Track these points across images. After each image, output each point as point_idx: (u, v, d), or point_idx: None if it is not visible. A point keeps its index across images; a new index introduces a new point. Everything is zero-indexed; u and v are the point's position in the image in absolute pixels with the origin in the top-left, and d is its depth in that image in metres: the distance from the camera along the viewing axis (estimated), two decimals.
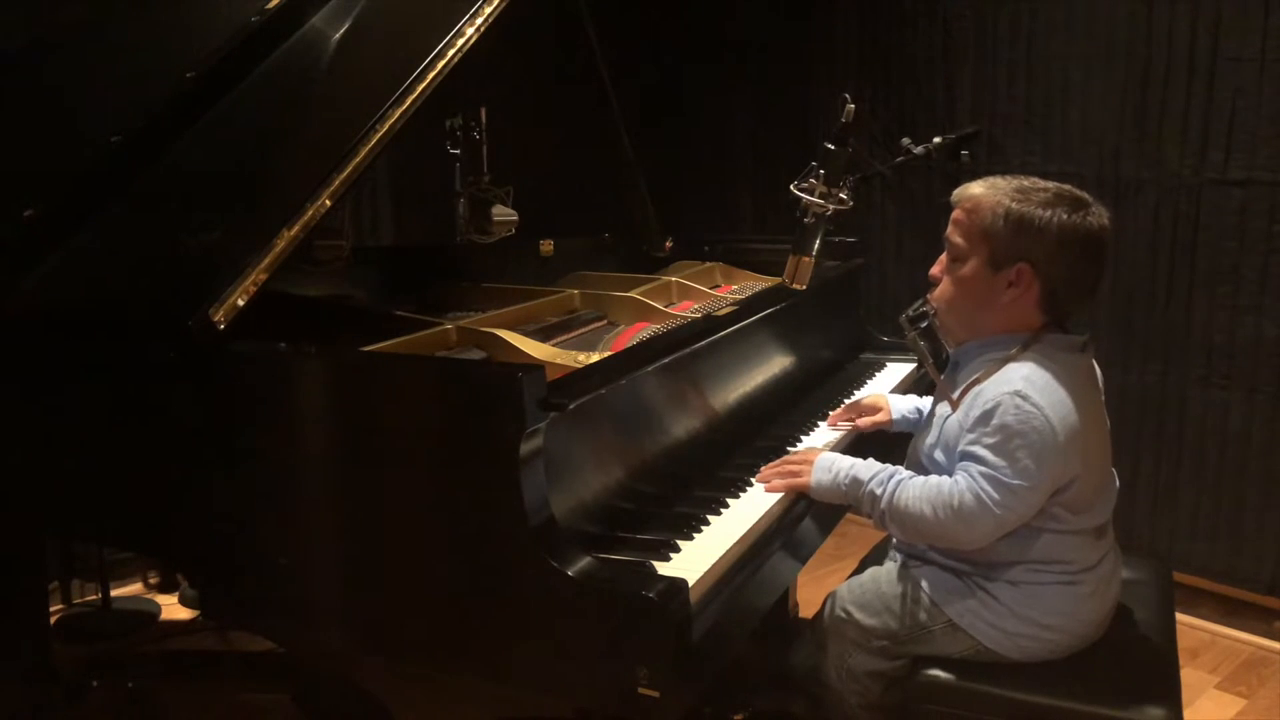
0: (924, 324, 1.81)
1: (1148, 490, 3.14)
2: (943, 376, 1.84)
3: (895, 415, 2.09)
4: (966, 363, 1.77)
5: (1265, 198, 2.87)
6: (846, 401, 2.18)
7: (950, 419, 1.72)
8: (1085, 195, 1.70)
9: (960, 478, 1.65)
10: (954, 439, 1.70)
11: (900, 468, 1.76)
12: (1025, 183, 1.70)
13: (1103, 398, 1.80)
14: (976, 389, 1.68)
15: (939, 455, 1.75)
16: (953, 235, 1.74)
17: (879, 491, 1.70)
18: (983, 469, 1.62)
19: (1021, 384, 1.63)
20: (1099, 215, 1.69)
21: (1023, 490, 1.61)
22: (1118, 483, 1.81)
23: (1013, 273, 1.68)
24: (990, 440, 1.62)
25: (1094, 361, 1.79)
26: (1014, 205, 1.66)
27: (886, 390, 2.27)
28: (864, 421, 2.10)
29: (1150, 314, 3.10)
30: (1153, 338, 3.11)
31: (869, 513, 1.73)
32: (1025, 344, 1.70)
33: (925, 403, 2.06)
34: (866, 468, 1.74)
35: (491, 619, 1.41)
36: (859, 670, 1.81)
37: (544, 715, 2.06)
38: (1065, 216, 1.65)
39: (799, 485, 1.77)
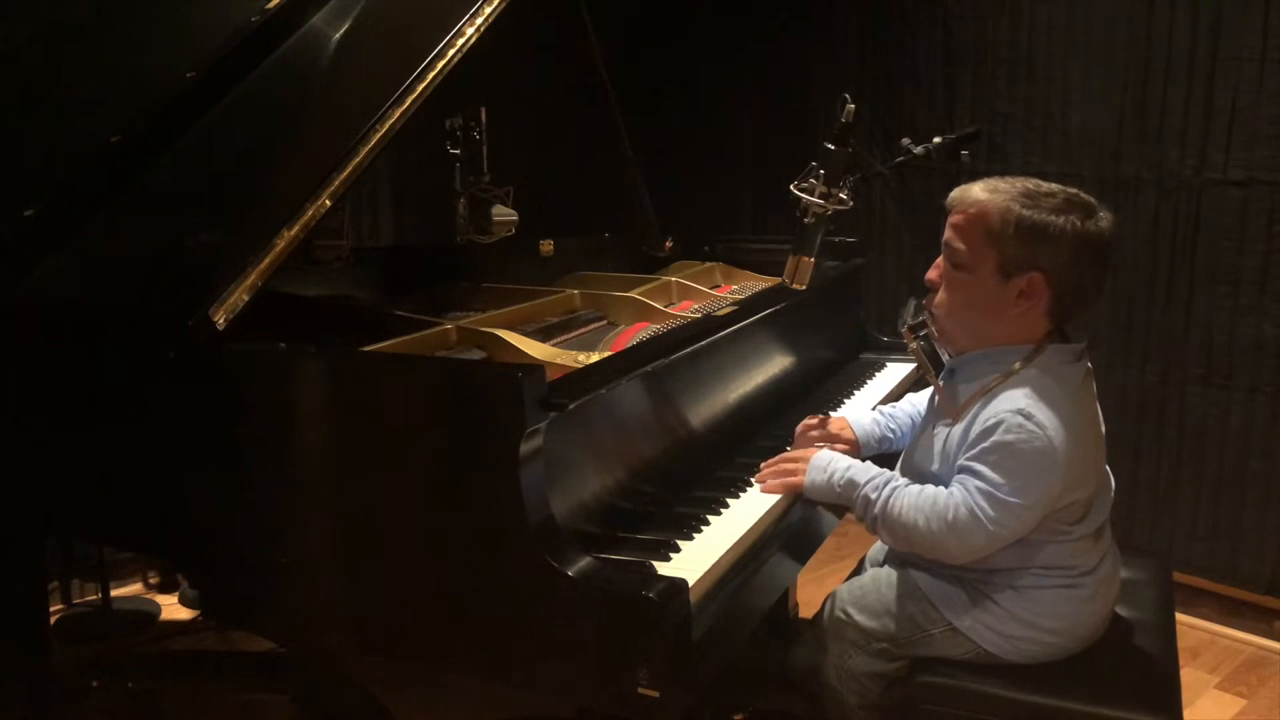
0: (924, 332, 1.79)
1: (1148, 490, 3.14)
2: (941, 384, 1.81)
3: (863, 447, 1.97)
4: (966, 372, 1.74)
5: (1265, 198, 2.87)
6: (811, 420, 1.99)
7: (952, 431, 1.70)
8: (1090, 198, 1.66)
9: (956, 490, 1.63)
10: (954, 451, 1.67)
11: (896, 474, 1.75)
12: (1030, 186, 1.65)
13: (1097, 402, 1.78)
14: (979, 403, 1.66)
15: (935, 466, 1.73)
16: (954, 240, 1.68)
17: (873, 497, 1.69)
18: (980, 484, 1.60)
19: (1025, 402, 1.60)
20: (1106, 219, 1.65)
21: (1018, 508, 1.59)
22: (1113, 483, 1.80)
23: (1024, 281, 1.63)
24: (991, 457, 1.60)
25: (1088, 364, 1.77)
26: (1026, 212, 1.61)
27: (872, 403, 2.25)
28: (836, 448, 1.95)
29: (1150, 314, 3.10)
30: (1153, 338, 3.11)
31: (861, 516, 1.72)
32: (1028, 356, 1.66)
33: (894, 420, 2.02)
34: (863, 471, 1.72)
35: (491, 619, 1.41)
36: (858, 671, 1.81)
37: (544, 715, 2.06)
38: (1079, 223, 1.61)
39: (793, 485, 1.76)
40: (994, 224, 1.63)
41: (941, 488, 1.66)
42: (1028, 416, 1.59)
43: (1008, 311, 1.67)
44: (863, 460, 1.90)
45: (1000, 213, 1.63)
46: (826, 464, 1.75)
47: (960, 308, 1.71)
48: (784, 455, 1.84)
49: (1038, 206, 1.62)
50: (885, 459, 1.96)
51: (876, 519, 1.69)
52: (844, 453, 1.91)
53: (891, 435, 2.00)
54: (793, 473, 1.77)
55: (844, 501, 1.74)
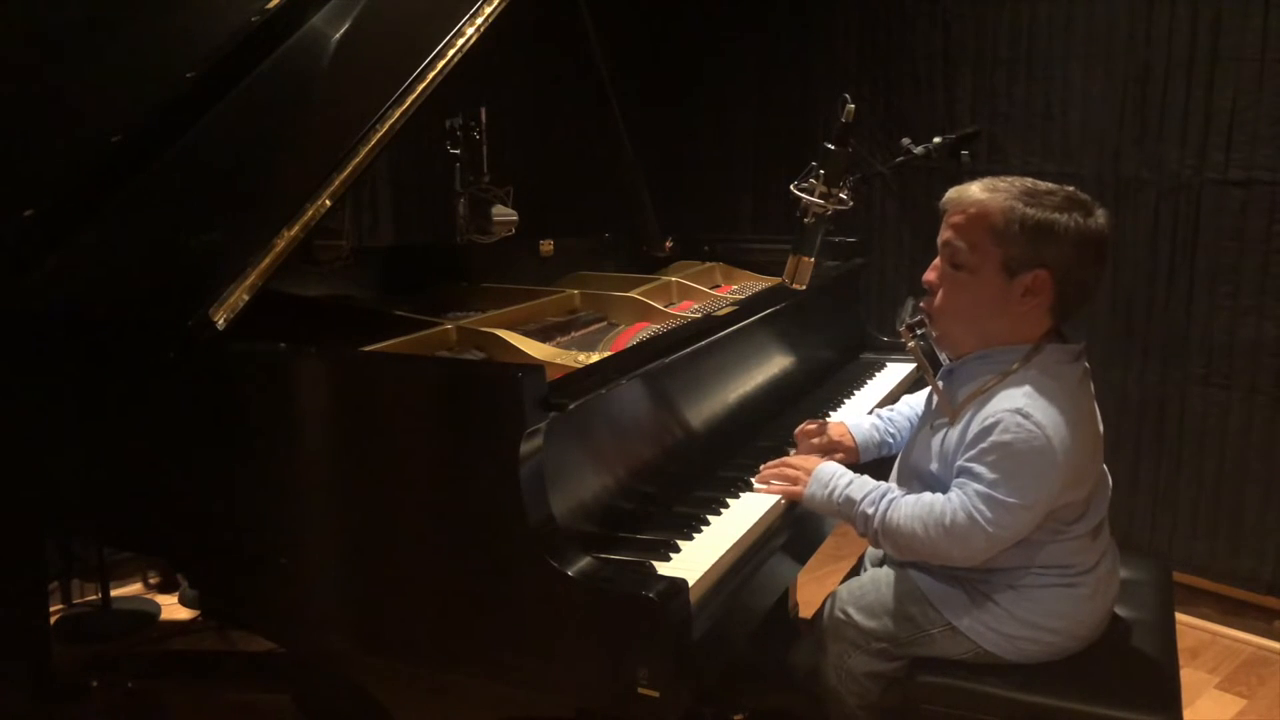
0: (921, 330, 1.78)
1: (1148, 490, 3.14)
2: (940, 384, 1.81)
3: (863, 453, 1.97)
4: (964, 373, 1.73)
5: (1265, 198, 2.87)
6: (811, 425, 1.98)
7: (949, 432, 1.69)
8: (1086, 196, 1.67)
9: (954, 494, 1.63)
10: (952, 451, 1.67)
11: (893, 486, 1.74)
12: (1029, 184, 1.65)
13: (1095, 402, 1.78)
14: (977, 403, 1.65)
15: (934, 467, 1.72)
16: (954, 240, 1.68)
17: (870, 512, 1.68)
18: (978, 487, 1.60)
19: (1024, 401, 1.60)
20: (1103, 216, 1.66)
21: (1017, 509, 1.59)
22: (1111, 481, 1.79)
23: (1029, 279, 1.63)
24: (989, 458, 1.59)
25: (1086, 364, 1.76)
26: (1030, 210, 1.61)
27: (872, 403, 2.25)
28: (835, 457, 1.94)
29: (1150, 314, 3.10)
30: (1153, 338, 3.11)
31: (862, 531, 1.71)
32: (1026, 356, 1.66)
33: (893, 425, 2.01)
34: (860, 487, 1.71)
35: (491, 619, 1.41)
36: (858, 671, 1.81)
37: (544, 715, 2.06)
38: (1081, 221, 1.62)
39: (792, 494, 1.76)
40: (998, 222, 1.63)
41: (938, 494, 1.66)
42: (1026, 416, 1.58)
43: (1012, 309, 1.67)
44: (862, 463, 1.92)
45: (1004, 211, 1.63)
46: (829, 480, 1.74)
47: (964, 307, 1.70)
48: (787, 460, 1.84)
49: (1041, 205, 1.62)
50: (885, 463, 1.96)
51: (877, 533, 1.68)
52: (843, 459, 1.91)
53: (891, 440, 2.00)
54: (795, 480, 1.77)
55: (843, 518, 1.74)
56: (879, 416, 2.04)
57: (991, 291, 1.66)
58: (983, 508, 1.59)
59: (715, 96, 4.14)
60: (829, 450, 1.94)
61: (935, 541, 1.63)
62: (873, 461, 1.98)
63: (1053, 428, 1.59)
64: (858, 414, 2.07)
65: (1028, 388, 1.62)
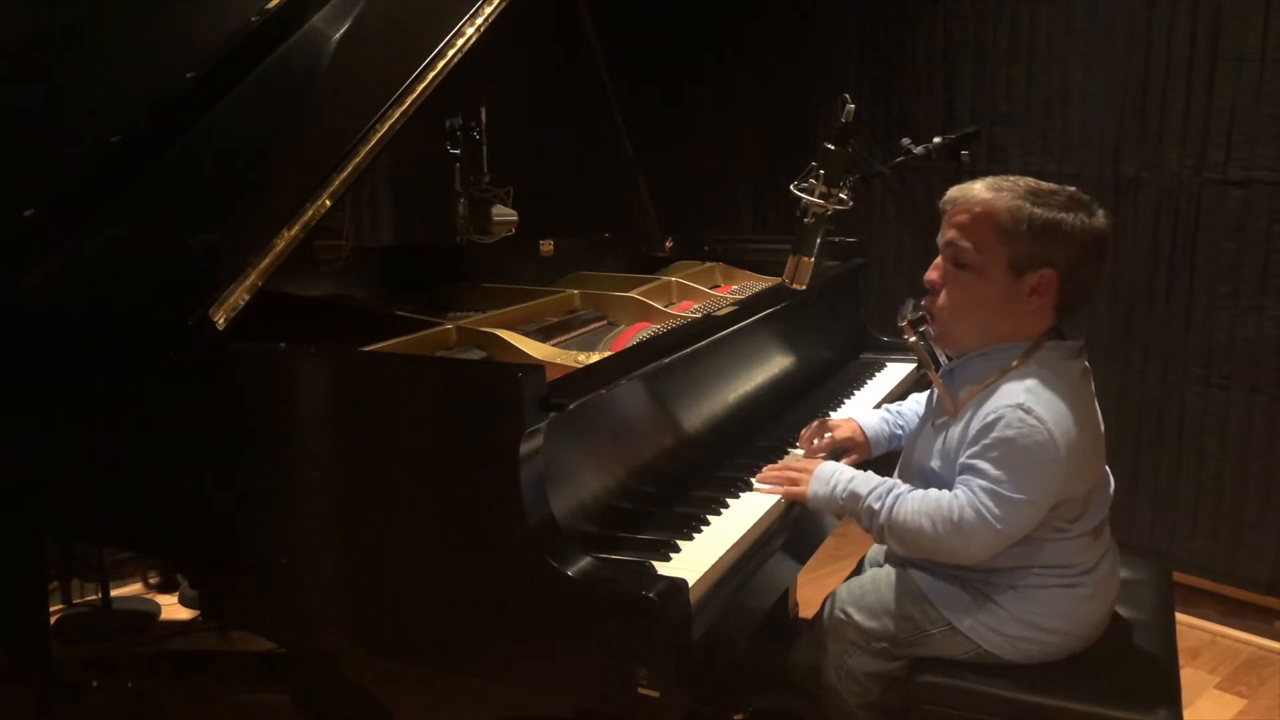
0: (923, 328, 1.79)
1: (1148, 490, 3.14)
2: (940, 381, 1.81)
3: (874, 447, 2.00)
4: (965, 372, 1.74)
5: (1265, 198, 2.87)
6: (818, 422, 2.00)
7: (952, 428, 1.69)
8: (1086, 196, 1.68)
9: (960, 492, 1.63)
10: (954, 448, 1.67)
11: (899, 481, 1.74)
12: (1033, 184, 1.66)
13: (1095, 399, 1.78)
14: (978, 399, 1.65)
15: (936, 464, 1.72)
16: (959, 240, 1.68)
17: (877, 506, 1.68)
18: (983, 483, 1.60)
19: (1025, 396, 1.60)
20: (1103, 216, 1.67)
21: (1023, 504, 1.59)
22: (1112, 481, 1.80)
23: (1035, 278, 1.64)
24: (992, 454, 1.60)
25: (1086, 362, 1.77)
26: (1037, 210, 1.62)
27: (872, 403, 2.25)
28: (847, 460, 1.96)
29: (1150, 314, 3.10)
30: (1153, 338, 3.11)
31: (867, 526, 1.71)
32: (1027, 353, 1.67)
33: (902, 418, 2.02)
34: (865, 481, 1.71)
35: (491, 619, 1.41)
36: (858, 671, 1.81)
37: (544, 715, 2.06)
38: (1086, 220, 1.63)
39: (795, 495, 1.75)
40: (1004, 222, 1.63)
41: (945, 490, 1.66)
42: (1027, 411, 1.59)
43: (1018, 308, 1.67)
44: (874, 457, 1.93)
45: (1011, 211, 1.63)
46: (830, 476, 1.74)
47: (969, 307, 1.70)
48: (787, 462, 1.84)
49: (1047, 205, 1.63)
50: (894, 458, 1.96)
51: (883, 529, 1.68)
52: (855, 460, 1.91)
53: (900, 432, 2.01)
54: (796, 481, 1.77)
55: (848, 513, 1.74)
56: (887, 410, 2.05)
57: (997, 290, 1.67)
58: (990, 504, 1.59)
59: (715, 96, 4.14)
60: (839, 449, 1.94)
61: (943, 538, 1.63)
62: (882, 456, 1.99)
63: (1054, 422, 1.59)
64: (866, 413, 2.07)
65: (1029, 382, 1.62)
